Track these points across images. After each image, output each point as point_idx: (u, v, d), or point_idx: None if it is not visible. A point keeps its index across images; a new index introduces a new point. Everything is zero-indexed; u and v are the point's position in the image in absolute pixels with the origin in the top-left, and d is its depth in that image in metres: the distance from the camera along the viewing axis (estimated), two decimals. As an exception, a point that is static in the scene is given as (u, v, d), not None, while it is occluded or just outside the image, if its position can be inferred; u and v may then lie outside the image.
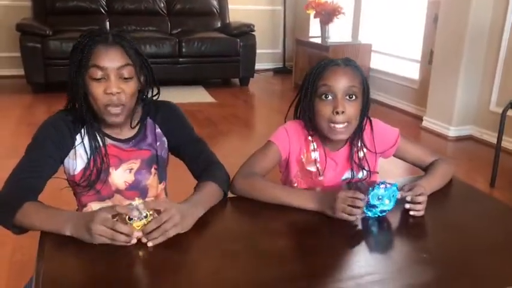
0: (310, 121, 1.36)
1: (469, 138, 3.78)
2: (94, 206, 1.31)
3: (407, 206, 1.19)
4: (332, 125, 1.30)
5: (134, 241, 1.01)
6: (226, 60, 5.24)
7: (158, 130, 1.36)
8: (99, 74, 1.19)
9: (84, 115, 1.24)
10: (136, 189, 1.34)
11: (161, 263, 0.97)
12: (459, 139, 3.76)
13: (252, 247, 1.06)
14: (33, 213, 1.08)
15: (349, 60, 1.35)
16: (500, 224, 1.23)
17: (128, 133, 1.33)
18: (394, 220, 1.18)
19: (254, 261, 1.01)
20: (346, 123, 1.30)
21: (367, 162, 1.42)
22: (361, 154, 1.40)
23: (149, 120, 1.36)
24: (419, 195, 1.20)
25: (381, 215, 1.17)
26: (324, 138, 1.37)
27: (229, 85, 5.52)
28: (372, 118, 1.41)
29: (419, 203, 1.19)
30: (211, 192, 1.22)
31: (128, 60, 1.21)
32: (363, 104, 1.34)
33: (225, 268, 0.97)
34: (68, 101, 1.28)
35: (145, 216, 1.02)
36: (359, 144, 1.40)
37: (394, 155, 1.47)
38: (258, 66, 5.56)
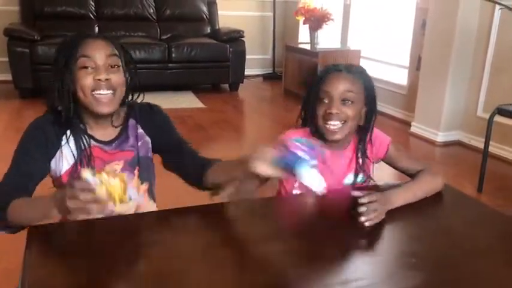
0: (313, 125, 1.40)
1: (457, 143, 3.81)
2: None
3: (360, 209, 1.16)
4: (327, 125, 1.34)
5: (111, 208, 0.99)
6: (216, 65, 5.24)
7: (140, 130, 1.37)
8: (87, 62, 1.22)
9: (71, 114, 1.25)
10: None
11: (149, 271, 0.96)
12: (447, 144, 3.79)
13: (242, 254, 1.05)
14: (18, 208, 1.11)
15: (352, 66, 1.41)
16: (488, 228, 1.25)
17: (111, 134, 1.34)
18: (383, 225, 1.18)
19: (244, 268, 1.00)
20: (341, 123, 1.34)
21: (366, 167, 1.45)
22: (361, 158, 1.43)
23: (131, 121, 1.37)
24: (367, 202, 1.17)
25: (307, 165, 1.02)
26: (325, 141, 1.37)
27: (218, 91, 5.51)
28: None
29: (373, 210, 1.16)
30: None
31: (114, 51, 1.26)
32: (367, 111, 1.39)
33: (215, 276, 0.96)
34: (50, 104, 1.28)
35: (102, 182, 0.99)
36: (362, 149, 1.43)
37: (384, 161, 1.49)
38: (247, 72, 5.57)
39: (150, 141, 1.39)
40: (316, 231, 1.15)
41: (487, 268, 1.04)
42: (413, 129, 4.04)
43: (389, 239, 1.17)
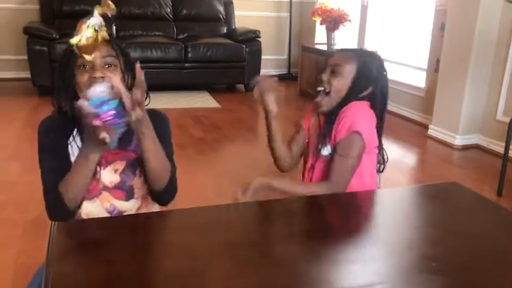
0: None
1: (475, 147, 3.76)
2: (84, 205, 1.32)
3: None
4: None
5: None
6: (232, 66, 5.24)
7: None
8: (84, 62, 1.25)
9: (74, 114, 1.26)
10: (122, 189, 1.35)
11: (171, 269, 0.96)
12: (465, 148, 3.74)
13: (263, 254, 1.05)
14: (68, 184, 1.23)
15: (357, 49, 1.72)
16: (509, 232, 1.22)
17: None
18: (404, 228, 1.17)
19: (265, 268, 0.99)
20: (324, 95, 1.50)
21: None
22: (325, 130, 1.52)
23: None
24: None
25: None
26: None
27: (233, 91, 5.52)
28: (361, 110, 1.49)
29: None
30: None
31: (112, 52, 1.28)
32: (353, 86, 1.49)
33: (236, 276, 0.96)
34: (55, 104, 1.32)
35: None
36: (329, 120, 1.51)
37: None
38: (263, 72, 5.56)
39: None
40: (336, 232, 1.14)
41: (509, 272, 1.01)
42: (430, 132, 3.99)
43: (409, 242, 1.15)
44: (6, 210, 2.44)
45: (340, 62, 1.51)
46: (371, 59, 1.55)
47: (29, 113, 4.29)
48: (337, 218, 1.29)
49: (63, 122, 1.31)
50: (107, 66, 1.27)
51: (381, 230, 1.15)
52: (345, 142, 1.43)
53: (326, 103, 1.51)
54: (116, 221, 1.23)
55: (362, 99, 1.51)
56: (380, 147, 1.56)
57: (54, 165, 1.28)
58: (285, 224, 1.18)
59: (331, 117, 1.50)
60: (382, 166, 1.59)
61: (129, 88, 1.30)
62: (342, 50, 1.63)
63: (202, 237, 1.07)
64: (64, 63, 1.28)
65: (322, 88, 1.51)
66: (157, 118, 1.39)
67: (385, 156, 1.58)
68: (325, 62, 1.55)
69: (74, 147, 1.31)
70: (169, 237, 1.12)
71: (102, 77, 1.24)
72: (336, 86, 1.49)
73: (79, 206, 1.28)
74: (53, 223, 1.10)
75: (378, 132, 1.53)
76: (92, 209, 1.32)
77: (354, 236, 1.12)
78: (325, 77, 1.51)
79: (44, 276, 0.91)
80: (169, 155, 1.39)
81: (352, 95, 1.50)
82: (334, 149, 1.47)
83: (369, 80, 1.51)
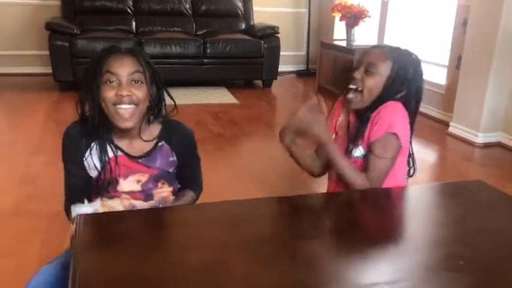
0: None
1: (497, 145, 3.70)
2: (104, 202, 1.36)
3: None
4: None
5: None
6: (250, 61, 5.24)
7: (173, 159, 1.40)
8: (111, 78, 1.27)
9: (97, 123, 1.31)
10: (142, 194, 1.38)
11: (192, 263, 0.97)
12: (487, 146, 3.68)
13: (285, 250, 1.05)
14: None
15: (382, 46, 1.59)
16: (537, 232, 1.20)
17: (138, 149, 1.36)
18: (428, 226, 1.16)
19: (286, 264, 1.00)
20: (356, 93, 1.44)
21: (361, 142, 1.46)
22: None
23: (166, 146, 1.39)
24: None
25: None
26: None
27: (251, 87, 5.52)
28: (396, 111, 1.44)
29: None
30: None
31: (138, 68, 1.29)
32: (388, 86, 1.43)
33: (257, 271, 0.96)
34: (80, 113, 1.35)
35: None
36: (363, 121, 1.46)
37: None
38: (281, 68, 5.55)
39: (176, 161, 1.42)
40: (360, 229, 1.13)
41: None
42: (451, 129, 3.94)
43: (435, 240, 1.14)
44: (30, 202, 2.49)
45: (375, 60, 1.45)
46: (408, 58, 1.49)
47: (50, 108, 4.36)
48: (361, 215, 1.29)
49: (84, 132, 1.33)
50: (133, 82, 1.28)
51: (405, 227, 1.14)
52: (381, 143, 1.40)
53: (358, 102, 1.45)
54: (139, 214, 1.24)
55: (396, 100, 1.46)
56: (411, 150, 1.53)
57: (75, 174, 1.34)
58: (308, 220, 1.18)
59: (364, 117, 1.45)
60: (412, 170, 1.54)
61: (154, 100, 1.34)
62: (378, 46, 1.57)
63: (224, 231, 1.08)
64: (91, 74, 1.29)
65: (355, 86, 1.45)
66: (185, 135, 1.45)
67: (414, 160, 1.54)
68: (359, 59, 1.49)
69: (90, 160, 1.33)
70: (190, 231, 1.12)
71: (128, 95, 1.27)
72: (369, 86, 1.44)
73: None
74: (78, 216, 1.12)
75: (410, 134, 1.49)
76: (111, 204, 1.35)
77: (378, 232, 1.12)
78: (358, 74, 1.45)
79: (72, 269, 0.93)
80: (196, 171, 1.48)
81: (387, 95, 1.44)
82: (368, 149, 1.43)
83: (405, 81, 1.45)
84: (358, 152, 1.46)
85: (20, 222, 2.29)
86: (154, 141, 1.37)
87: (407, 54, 1.50)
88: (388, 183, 1.43)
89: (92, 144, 1.32)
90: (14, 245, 2.11)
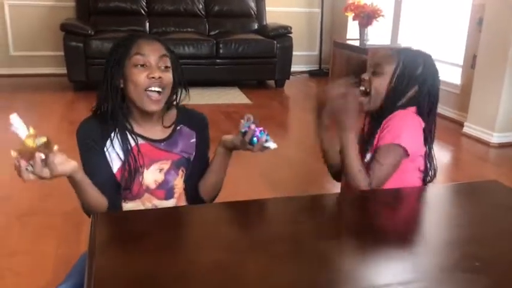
0: None
1: (513, 145, 3.65)
2: (124, 206, 1.34)
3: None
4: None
5: (40, 157, 1.11)
6: (263, 61, 5.24)
7: (194, 140, 1.40)
8: (141, 60, 1.27)
9: (117, 112, 1.29)
10: (165, 188, 1.37)
11: (209, 262, 0.97)
12: (502, 146, 3.63)
13: (300, 249, 1.05)
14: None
15: (392, 48, 1.64)
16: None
17: (160, 133, 1.36)
18: (444, 226, 1.15)
19: (302, 264, 1.00)
20: (365, 95, 1.46)
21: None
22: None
23: (185, 129, 1.39)
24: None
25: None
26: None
27: (264, 87, 5.52)
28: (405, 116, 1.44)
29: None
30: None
31: (166, 52, 1.30)
32: (394, 86, 1.44)
33: (273, 271, 0.96)
34: (98, 102, 1.32)
35: (29, 131, 1.05)
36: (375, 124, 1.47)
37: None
38: (293, 68, 5.54)
39: (196, 141, 1.41)
40: (375, 229, 1.13)
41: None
42: (466, 129, 3.90)
43: (450, 241, 1.13)
44: (47, 201, 2.51)
45: (381, 61, 1.48)
46: (415, 57, 1.48)
47: (65, 108, 4.40)
48: (377, 215, 1.28)
49: (100, 124, 1.30)
50: (161, 67, 1.28)
51: (421, 228, 1.13)
52: (383, 150, 1.40)
53: (367, 103, 1.47)
54: (155, 213, 1.25)
55: (409, 101, 1.45)
56: (429, 156, 1.50)
57: (94, 164, 1.28)
58: (323, 220, 1.18)
59: (376, 122, 1.46)
60: (429, 177, 1.51)
61: (177, 84, 1.34)
62: (386, 48, 1.59)
63: (239, 230, 1.08)
64: (114, 61, 1.28)
65: (363, 88, 1.48)
66: (200, 117, 1.45)
67: (434, 165, 1.51)
68: (369, 62, 1.52)
69: (112, 151, 1.30)
70: (206, 230, 1.13)
71: (160, 77, 1.26)
72: (376, 86, 1.45)
73: (114, 206, 1.29)
74: (95, 214, 1.13)
75: (426, 137, 1.47)
76: (132, 207, 1.35)
77: (393, 232, 1.11)
78: (366, 76, 1.48)
79: (87, 267, 0.94)
80: (207, 157, 1.45)
81: (396, 95, 1.44)
82: (374, 153, 1.43)
83: (413, 79, 1.44)
84: (368, 156, 1.46)
85: (35, 221, 2.32)
86: (173, 126, 1.38)
87: (416, 52, 1.52)
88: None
89: (112, 134, 1.30)
90: (30, 243, 2.14)
